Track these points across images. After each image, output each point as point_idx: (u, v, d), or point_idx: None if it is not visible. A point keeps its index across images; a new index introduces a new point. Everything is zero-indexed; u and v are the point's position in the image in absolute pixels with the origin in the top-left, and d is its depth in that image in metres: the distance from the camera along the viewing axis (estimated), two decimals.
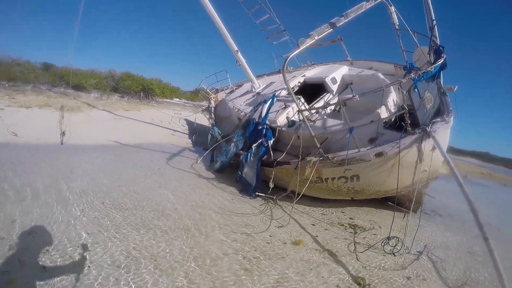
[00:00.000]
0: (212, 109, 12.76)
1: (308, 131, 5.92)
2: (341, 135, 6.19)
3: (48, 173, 6.47)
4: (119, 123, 14.56)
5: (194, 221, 5.27)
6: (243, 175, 7.24)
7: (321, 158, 5.81)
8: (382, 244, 5.16)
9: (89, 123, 13.31)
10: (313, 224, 6.00)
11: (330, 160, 5.71)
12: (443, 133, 5.27)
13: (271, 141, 7.36)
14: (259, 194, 7.02)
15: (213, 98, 13.73)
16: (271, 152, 7.21)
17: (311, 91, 9.04)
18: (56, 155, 8.13)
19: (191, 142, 13.47)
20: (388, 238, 5.16)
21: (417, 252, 5.31)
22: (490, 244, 3.84)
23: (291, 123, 7.53)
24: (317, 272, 4.19)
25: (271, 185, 6.71)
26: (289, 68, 12.21)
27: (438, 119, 5.41)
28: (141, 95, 22.74)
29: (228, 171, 8.60)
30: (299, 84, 9.50)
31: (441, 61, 5.54)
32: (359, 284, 4.04)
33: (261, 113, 7.99)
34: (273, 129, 7.64)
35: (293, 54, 5.45)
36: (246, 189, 7.17)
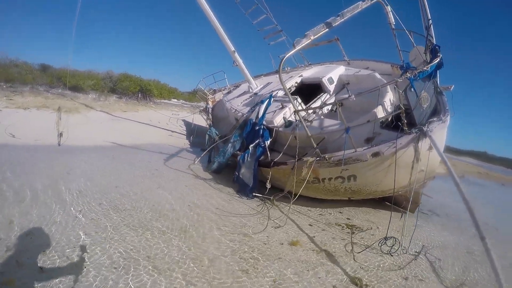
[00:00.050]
0: (210, 109, 12.75)
1: (304, 131, 5.91)
2: (337, 135, 6.19)
3: (46, 174, 6.44)
4: (117, 124, 14.53)
5: (192, 222, 5.25)
6: (240, 176, 7.22)
7: (317, 158, 5.80)
8: (380, 244, 5.14)
9: (87, 124, 13.27)
10: (310, 225, 5.99)
11: (326, 160, 5.70)
12: (440, 132, 5.27)
13: (268, 142, 7.35)
14: (256, 194, 7.01)
15: (210, 98, 13.72)
16: (268, 152, 7.20)
17: (308, 91, 9.04)
18: (54, 156, 8.10)
19: (188, 143, 13.45)
20: (385, 238, 5.14)
21: (415, 252, 5.30)
22: (487, 243, 3.82)
23: (288, 124, 7.52)
24: (314, 273, 4.18)
25: (268, 185, 6.70)
26: (286, 68, 12.22)
27: (434, 119, 5.40)
28: (139, 96, 22.70)
29: (225, 172, 8.58)
30: (296, 85, 9.50)
31: (437, 60, 5.54)
32: (356, 284, 4.03)
33: (258, 113, 7.99)
34: (270, 130, 7.63)
35: (289, 54, 5.44)
36: (243, 189, 7.16)
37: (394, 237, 5.20)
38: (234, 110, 10.06)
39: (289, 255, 4.56)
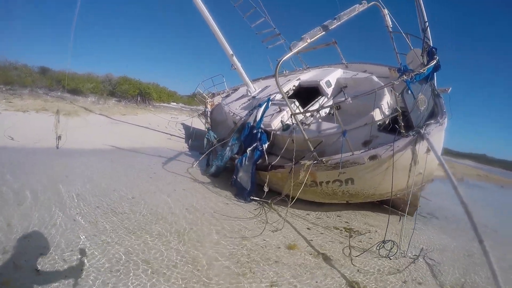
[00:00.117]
0: (208, 113, 12.74)
1: (302, 134, 5.91)
2: (335, 139, 6.18)
3: (44, 177, 6.43)
4: (116, 127, 14.51)
5: (189, 225, 5.24)
6: (238, 179, 7.21)
7: (315, 162, 5.79)
8: (378, 247, 5.11)
9: (86, 127, 13.25)
10: (308, 228, 5.96)
11: (324, 163, 5.69)
12: (437, 135, 5.26)
13: (266, 145, 7.34)
14: (254, 198, 6.99)
15: (209, 102, 13.72)
16: (266, 156, 7.19)
17: (306, 94, 9.04)
18: (53, 159, 8.09)
19: (187, 146, 13.43)
20: (384, 241, 5.11)
21: (413, 255, 5.27)
22: (485, 246, 3.80)
23: (285, 127, 7.52)
24: (311, 276, 4.16)
25: (266, 189, 6.68)
26: (284, 71, 12.23)
27: (432, 121, 5.40)
28: (138, 99, 22.69)
29: (223, 175, 8.56)
30: (294, 88, 9.50)
31: (434, 62, 5.55)
32: None
33: (256, 117, 7.98)
34: (267, 133, 7.62)
35: (286, 57, 5.46)
36: (241, 193, 7.14)
37: (392, 241, 5.17)
38: (232, 114, 10.06)
39: (286, 259, 4.54)
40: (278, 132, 7.57)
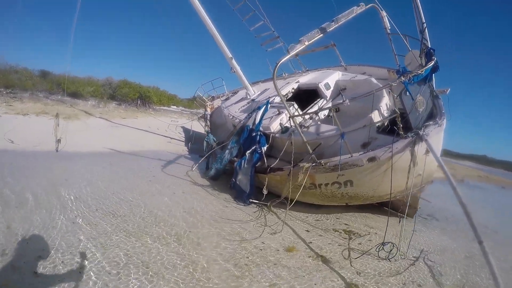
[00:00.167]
0: (208, 116, 12.76)
1: (300, 137, 5.90)
2: (333, 141, 6.17)
3: (43, 180, 6.44)
4: (116, 130, 14.54)
5: (188, 228, 5.23)
6: (237, 182, 7.20)
7: (313, 164, 5.78)
8: (377, 249, 5.09)
9: (86, 130, 13.28)
10: (307, 231, 5.94)
11: (322, 165, 5.68)
12: (436, 136, 5.25)
13: (265, 148, 7.33)
14: (253, 200, 6.97)
15: (209, 105, 13.74)
16: (265, 158, 7.18)
17: (305, 97, 9.05)
18: (52, 162, 8.11)
19: (187, 149, 13.45)
20: (383, 243, 5.09)
21: (413, 257, 5.25)
22: (485, 247, 3.79)
23: (284, 129, 7.51)
24: (310, 279, 4.14)
25: (265, 191, 6.67)
26: (284, 74, 12.25)
27: (430, 122, 5.39)
28: (138, 102, 22.74)
29: (223, 178, 8.56)
30: (293, 90, 9.51)
31: (432, 63, 5.55)
32: None
33: (255, 119, 7.98)
34: (266, 136, 7.62)
35: (283, 60, 5.46)
36: (240, 196, 7.13)
37: (391, 242, 5.14)
38: (231, 117, 10.07)
39: (285, 261, 4.53)
40: (277, 135, 7.57)
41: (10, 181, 6.04)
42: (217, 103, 13.99)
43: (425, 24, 6.11)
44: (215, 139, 10.06)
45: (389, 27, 7.21)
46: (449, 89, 6.73)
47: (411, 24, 6.76)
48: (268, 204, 6.74)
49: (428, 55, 5.86)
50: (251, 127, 7.96)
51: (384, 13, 7.06)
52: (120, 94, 22.36)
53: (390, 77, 8.21)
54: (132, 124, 16.38)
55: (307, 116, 7.87)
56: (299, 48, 5.27)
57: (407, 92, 5.10)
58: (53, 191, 5.89)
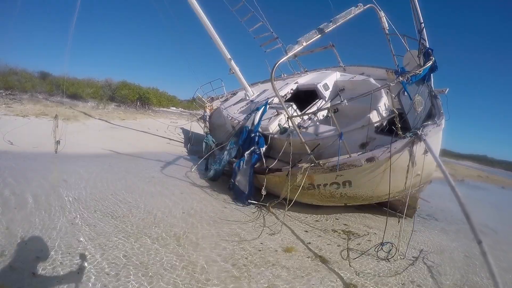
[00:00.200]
0: (207, 117, 12.76)
1: (299, 137, 5.90)
2: (332, 141, 6.17)
3: (42, 181, 6.44)
4: (115, 132, 14.54)
5: (186, 229, 5.23)
6: (236, 183, 7.19)
7: (312, 165, 5.78)
8: (376, 250, 5.09)
9: (85, 132, 13.28)
10: (306, 231, 5.93)
11: (321, 166, 5.67)
12: (435, 136, 5.25)
13: (263, 149, 7.33)
14: (252, 201, 6.97)
15: (208, 106, 13.75)
16: (264, 159, 7.18)
17: (304, 97, 9.05)
18: (51, 163, 8.12)
19: (186, 150, 13.45)
20: (382, 243, 5.08)
21: (413, 257, 5.25)
22: (483, 247, 3.78)
23: (283, 130, 7.51)
24: (308, 280, 4.13)
25: (264, 192, 6.66)
26: (283, 75, 12.27)
27: (429, 122, 5.39)
28: (138, 104, 22.73)
29: (222, 179, 8.56)
30: (292, 91, 9.52)
31: (430, 63, 5.55)
32: None
33: (253, 120, 7.98)
34: (265, 136, 7.62)
35: (281, 60, 5.47)
36: (239, 196, 7.12)
37: (390, 242, 5.14)
38: (230, 118, 10.07)
39: (283, 262, 4.52)
40: (275, 136, 7.57)
41: (9, 182, 6.02)
42: (216, 104, 14.00)
43: (423, 24, 6.12)
44: (214, 140, 10.05)
45: (388, 28, 7.21)
46: (448, 89, 6.73)
47: (409, 24, 6.77)
48: (267, 204, 6.74)
49: (426, 55, 5.88)
50: (250, 128, 7.96)
51: (382, 14, 7.07)
52: (120, 96, 22.34)
53: (389, 77, 8.22)
54: (132, 126, 16.37)
55: (305, 117, 7.87)
56: (297, 49, 5.29)
57: (405, 92, 5.10)
58: (51, 192, 5.88)
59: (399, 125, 5.06)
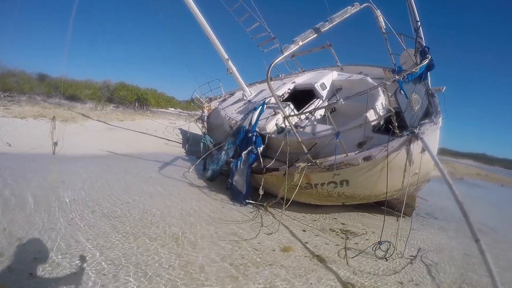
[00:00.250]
0: (205, 118, 12.74)
1: (295, 137, 5.89)
2: (329, 140, 6.16)
3: (39, 182, 6.42)
4: (113, 133, 14.52)
5: (184, 229, 5.23)
6: (234, 183, 7.19)
7: (309, 164, 5.76)
8: (373, 249, 5.07)
9: (83, 133, 13.27)
10: (304, 231, 5.92)
11: (318, 165, 5.66)
12: (432, 134, 5.24)
13: (261, 148, 7.32)
14: (250, 201, 6.95)
15: (206, 107, 13.73)
16: (261, 159, 7.16)
17: (302, 97, 9.05)
18: (48, 165, 8.12)
19: (184, 151, 13.44)
20: (379, 242, 5.06)
21: (411, 256, 5.23)
22: (481, 245, 3.78)
23: (280, 130, 7.51)
24: (306, 279, 4.12)
25: (261, 192, 6.65)
26: (280, 75, 12.26)
27: (426, 121, 5.38)
28: (136, 105, 22.70)
29: (220, 179, 8.55)
30: (289, 91, 9.52)
31: (426, 61, 5.54)
32: None
33: (251, 120, 7.98)
34: (263, 136, 7.61)
35: (277, 60, 5.45)
36: (237, 196, 7.12)
37: (388, 241, 5.12)
38: (228, 118, 10.07)
39: (280, 261, 4.51)
40: (273, 135, 7.56)
41: (7, 183, 6.02)
42: (214, 104, 13.98)
43: (419, 22, 6.11)
44: (211, 140, 10.03)
45: (384, 27, 7.19)
46: (445, 87, 6.72)
47: (406, 23, 6.76)
48: (265, 204, 6.72)
49: (423, 54, 5.86)
50: (247, 128, 7.96)
51: (379, 13, 7.05)
52: (118, 97, 22.32)
53: (386, 76, 8.20)
54: (130, 127, 16.35)
55: (303, 116, 7.87)
56: (293, 48, 5.28)
57: (401, 91, 5.09)
58: (49, 193, 5.86)
59: (396, 124, 5.05)
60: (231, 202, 7.09)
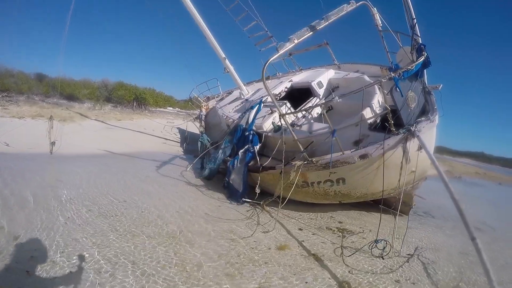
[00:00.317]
0: (203, 117, 12.73)
1: (291, 135, 5.87)
2: (325, 139, 6.13)
3: (36, 181, 6.43)
4: (111, 132, 14.52)
5: (180, 227, 5.22)
6: (231, 181, 7.18)
7: (305, 162, 5.75)
8: (370, 247, 5.05)
9: (81, 132, 13.28)
10: (300, 229, 5.91)
11: (314, 163, 5.64)
12: (429, 132, 5.22)
13: (257, 147, 7.30)
14: (246, 200, 6.94)
15: (204, 106, 13.72)
16: (258, 157, 7.15)
17: (299, 95, 9.04)
18: (46, 164, 8.13)
19: (182, 150, 13.43)
20: (376, 241, 5.04)
21: (407, 254, 5.21)
22: (477, 243, 3.76)
23: (276, 128, 7.49)
24: (302, 277, 4.10)
25: (258, 190, 6.63)
26: (277, 73, 12.24)
27: (422, 119, 5.35)
28: (134, 104, 22.68)
29: (217, 178, 8.54)
30: (286, 89, 9.50)
31: (422, 59, 5.51)
32: None
33: (248, 119, 7.96)
34: (259, 135, 7.59)
35: (272, 58, 5.43)
36: (234, 195, 7.11)
37: (385, 240, 5.11)
38: (225, 117, 10.05)
39: (276, 260, 4.49)
40: (269, 134, 7.54)
41: (6, 183, 6.02)
42: (212, 103, 13.97)
43: (415, 20, 6.08)
44: (209, 139, 10.03)
45: (381, 24, 7.18)
46: (442, 85, 6.69)
47: (402, 21, 6.73)
48: (261, 202, 6.71)
49: (419, 51, 5.83)
50: (244, 126, 7.94)
51: (375, 10, 7.04)
52: (116, 96, 22.29)
53: (383, 74, 8.19)
54: (128, 126, 16.35)
55: (300, 115, 7.85)
56: (288, 46, 5.25)
57: (397, 89, 5.06)
58: (46, 192, 5.87)
59: (392, 122, 5.03)
60: (228, 201, 7.08)
